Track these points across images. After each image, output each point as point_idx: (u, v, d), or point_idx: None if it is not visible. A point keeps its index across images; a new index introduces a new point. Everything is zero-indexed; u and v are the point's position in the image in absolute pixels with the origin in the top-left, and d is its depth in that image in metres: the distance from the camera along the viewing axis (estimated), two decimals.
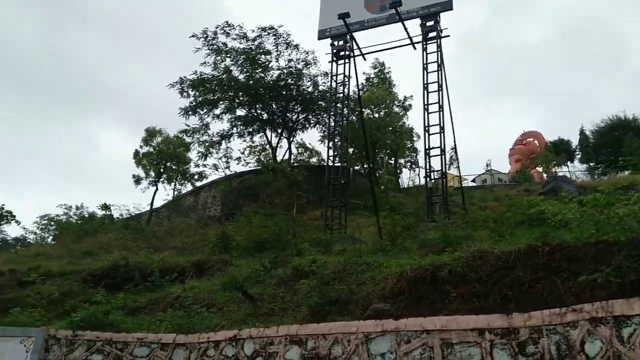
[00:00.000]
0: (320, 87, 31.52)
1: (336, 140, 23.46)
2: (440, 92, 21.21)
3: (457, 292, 8.20)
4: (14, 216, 27.06)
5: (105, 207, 30.69)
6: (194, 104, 32.01)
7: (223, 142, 32.43)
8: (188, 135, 31.50)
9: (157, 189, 32.08)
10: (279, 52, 31.34)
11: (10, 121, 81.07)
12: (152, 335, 10.29)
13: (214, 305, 11.86)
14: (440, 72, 21.67)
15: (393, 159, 37.38)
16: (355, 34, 23.95)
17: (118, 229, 27.36)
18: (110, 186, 70.42)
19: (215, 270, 14.82)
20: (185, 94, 31.75)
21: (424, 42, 22.61)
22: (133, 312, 12.77)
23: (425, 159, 20.50)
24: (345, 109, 23.59)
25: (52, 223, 31.98)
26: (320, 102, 31.58)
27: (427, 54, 22.27)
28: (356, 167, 34.54)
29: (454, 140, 21.74)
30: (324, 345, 8.12)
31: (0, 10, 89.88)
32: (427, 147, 20.57)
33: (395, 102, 36.54)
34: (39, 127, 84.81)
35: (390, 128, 34.64)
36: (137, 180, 32.50)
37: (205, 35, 31.10)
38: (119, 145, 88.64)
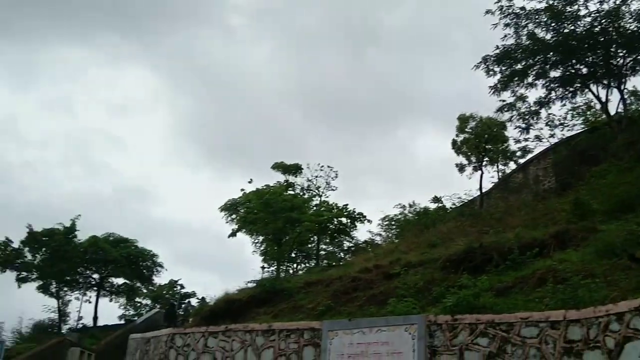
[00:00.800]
0: None
1: None
2: None
3: None
4: (365, 216, 29.76)
5: (437, 199, 31.43)
6: (502, 79, 30.52)
7: (542, 110, 30.06)
8: (505, 111, 30.11)
9: (482, 173, 31.46)
10: None
11: (342, 144, 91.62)
12: (537, 314, 9.56)
13: (594, 275, 10.54)
14: None
15: None
16: None
17: (454, 218, 27.64)
18: (434, 181, 73.13)
19: (579, 240, 13.39)
20: (491, 72, 30.45)
21: None
22: (502, 293, 12.31)
23: None
24: None
25: (393, 223, 34.14)
26: None
27: None
28: None
29: None
30: None
31: (313, 54, 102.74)
32: None
33: None
34: (365, 144, 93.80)
35: None
36: (461, 168, 32.39)
37: (500, 6, 29.39)
38: (432, 144, 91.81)
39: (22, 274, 34.49)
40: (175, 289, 42.71)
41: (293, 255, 31.17)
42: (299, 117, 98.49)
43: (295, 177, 32.24)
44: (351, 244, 34.72)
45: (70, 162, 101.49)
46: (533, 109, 30.38)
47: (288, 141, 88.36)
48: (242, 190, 29.96)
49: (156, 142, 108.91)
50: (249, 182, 29.52)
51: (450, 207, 31.61)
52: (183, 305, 35.69)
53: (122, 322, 38.61)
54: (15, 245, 34.50)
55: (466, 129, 33.09)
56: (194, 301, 40.92)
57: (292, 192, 30.28)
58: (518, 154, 32.84)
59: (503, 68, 30.32)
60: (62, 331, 34.08)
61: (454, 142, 33.41)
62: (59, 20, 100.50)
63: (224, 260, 73.48)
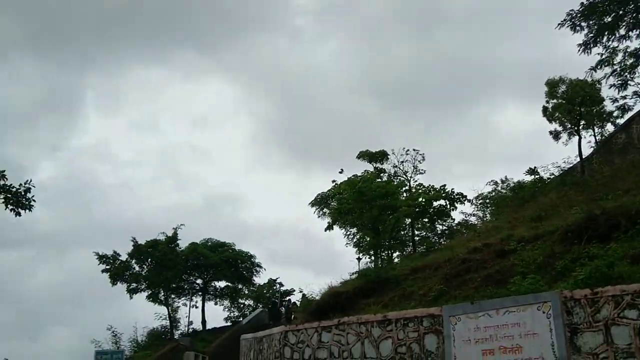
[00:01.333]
0: None
1: None
2: None
3: None
4: (465, 196, 28.89)
5: (532, 171, 29.99)
6: (590, 34, 28.59)
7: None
8: (599, 68, 28.22)
9: (580, 138, 29.68)
10: None
11: (421, 127, 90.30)
12: None
13: None
14: None
15: None
16: None
17: (555, 188, 26.28)
18: (521, 153, 70.37)
19: None
20: (577, 27, 28.63)
21: None
22: (638, 260, 11.37)
23: None
24: None
25: (487, 200, 32.90)
26: None
27: None
28: None
29: None
30: None
31: (378, 42, 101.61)
32: None
33: None
34: (445, 125, 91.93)
35: None
36: (555, 135, 30.71)
37: None
38: (513, 116, 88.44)
39: (132, 285, 36.21)
40: (274, 287, 43.47)
41: (388, 243, 30.74)
42: (375, 106, 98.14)
43: (382, 164, 31.73)
44: (445, 227, 33.83)
45: (161, 177, 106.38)
46: (629, 62, 28.36)
47: (367, 131, 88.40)
48: (333, 181, 29.82)
49: (239, 149, 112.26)
50: (340, 172, 29.24)
51: (548, 178, 30.09)
52: (284, 303, 36.18)
53: (229, 323, 39.83)
54: (123, 258, 36.29)
55: (557, 94, 31.36)
56: (294, 298, 41.54)
57: (382, 179, 29.87)
58: (615, 113, 30.86)
59: (591, 22, 28.49)
60: (175, 337, 35.54)
61: (545, 109, 31.71)
62: (136, 45, 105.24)
63: (315, 256, 74.48)
